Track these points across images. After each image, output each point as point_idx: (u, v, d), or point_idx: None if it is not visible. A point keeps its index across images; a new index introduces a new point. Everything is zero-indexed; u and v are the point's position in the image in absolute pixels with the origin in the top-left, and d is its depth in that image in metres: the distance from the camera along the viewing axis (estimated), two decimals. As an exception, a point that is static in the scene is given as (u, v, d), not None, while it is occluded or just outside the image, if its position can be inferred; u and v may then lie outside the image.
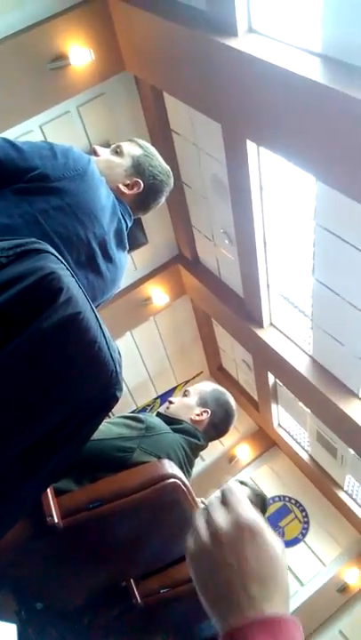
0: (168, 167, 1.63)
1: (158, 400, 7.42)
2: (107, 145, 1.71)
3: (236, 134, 3.67)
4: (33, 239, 0.74)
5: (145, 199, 1.57)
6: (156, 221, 5.67)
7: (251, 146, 3.63)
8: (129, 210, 1.52)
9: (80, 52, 3.99)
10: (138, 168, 1.54)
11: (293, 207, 3.94)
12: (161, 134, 4.74)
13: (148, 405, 7.33)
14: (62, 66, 4.00)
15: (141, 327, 6.64)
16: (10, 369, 0.69)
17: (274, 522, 6.75)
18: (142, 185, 1.53)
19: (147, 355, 7.02)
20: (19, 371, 0.71)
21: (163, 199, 1.63)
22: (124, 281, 6.10)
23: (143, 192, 1.55)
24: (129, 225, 1.54)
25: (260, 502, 2.18)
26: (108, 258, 1.46)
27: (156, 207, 1.64)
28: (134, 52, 4.02)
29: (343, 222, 3.41)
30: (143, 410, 7.28)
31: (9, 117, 4.04)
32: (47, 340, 0.70)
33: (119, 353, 0.84)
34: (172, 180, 1.64)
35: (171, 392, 7.53)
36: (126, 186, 1.52)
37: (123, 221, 1.50)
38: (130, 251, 5.61)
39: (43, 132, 4.49)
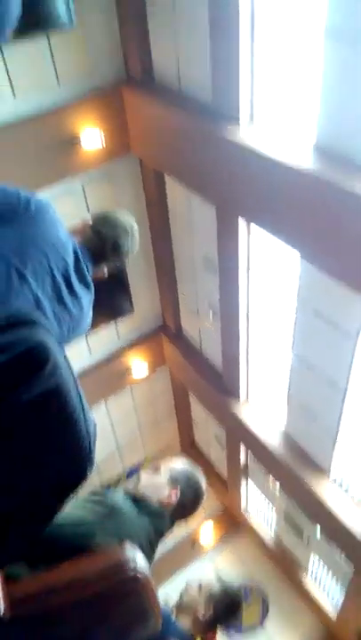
0: (129, 222, 1.73)
1: (124, 475, 7.00)
2: (102, 214, 1.83)
3: (228, 213, 3.77)
4: (25, 310, 0.76)
5: (99, 246, 1.66)
6: (143, 291, 5.66)
7: (242, 223, 3.73)
8: (88, 253, 1.59)
9: (91, 135, 4.16)
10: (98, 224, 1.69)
11: (278, 285, 3.99)
12: (158, 212, 4.88)
13: (114, 481, 6.88)
14: (73, 146, 4.16)
15: (117, 396, 6.38)
16: None
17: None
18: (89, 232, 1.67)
19: (118, 424, 6.69)
20: None
21: (117, 249, 1.70)
22: (107, 348, 6.00)
23: (94, 240, 1.66)
24: (89, 268, 1.58)
25: (231, 601, 1.96)
26: (73, 293, 1.50)
27: (113, 254, 1.70)
28: (141, 136, 4.23)
29: (325, 300, 3.44)
30: (107, 488, 6.82)
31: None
32: (26, 410, 0.67)
33: (95, 427, 0.79)
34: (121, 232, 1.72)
35: (137, 468, 7.13)
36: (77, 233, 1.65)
37: (83, 262, 1.55)
38: (115, 318, 5.53)
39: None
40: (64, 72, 3.97)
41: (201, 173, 3.70)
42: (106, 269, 1.71)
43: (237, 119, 3.15)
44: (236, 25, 2.80)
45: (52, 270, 1.42)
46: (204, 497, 1.64)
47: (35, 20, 3.45)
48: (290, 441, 4.70)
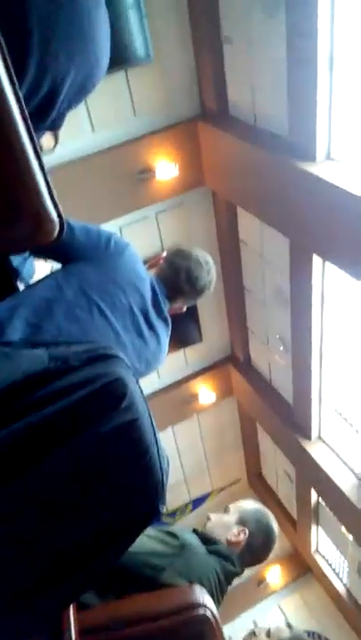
0: (203, 255, 1.70)
1: (190, 505, 6.95)
2: (176, 247, 1.83)
3: (303, 248, 3.71)
4: (105, 344, 0.77)
5: (173, 278, 1.65)
6: (212, 321, 5.69)
7: (316, 260, 3.64)
8: (164, 287, 1.61)
9: (166, 167, 4.29)
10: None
11: (354, 321, 3.82)
12: (229, 243, 4.90)
13: (179, 510, 6.86)
14: (148, 177, 4.31)
15: (183, 424, 6.40)
16: (58, 472, 0.67)
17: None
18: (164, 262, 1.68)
19: (185, 453, 6.69)
20: (67, 474, 0.68)
21: (187, 279, 1.67)
22: (175, 375, 6.09)
23: (167, 272, 1.66)
24: (166, 302, 1.60)
25: None
26: (151, 327, 1.54)
27: (187, 288, 1.67)
28: (215, 169, 4.29)
29: None
30: (173, 513, 6.80)
31: (95, 216, 4.31)
32: (102, 444, 0.69)
33: (168, 462, 0.80)
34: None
35: (204, 498, 7.05)
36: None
37: (160, 297, 1.57)
38: (184, 346, 5.57)
39: (121, 232, 4.74)
40: (141, 105, 4.14)
41: (275, 207, 3.68)
42: (184, 305, 1.73)
43: (314, 155, 3.11)
44: (315, 62, 2.78)
45: (131, 306, 1.47)
46: (276, 542, 1.57)
47: (114, 55, 3.67)
48: (366, 488, 4.43)
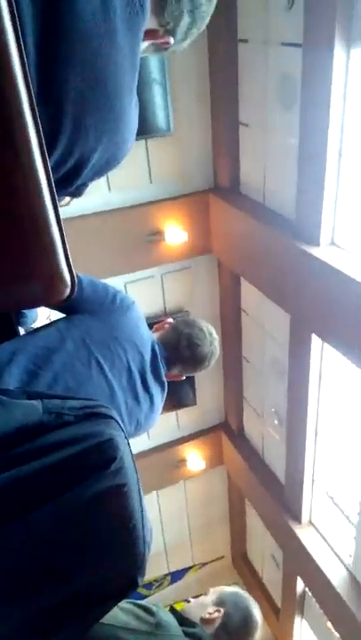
0: (207, 326, 1.70)
1: (169, 577, 6.63)
2: (179, 311, 1.83)
3: (303, 326, 3.77)
4: (100, 403, 0.76)
5: (174, 341, 1.64)
6: (208, 385, 5.67)
7: (315, 339, 3.69)
8: (165, 355, 1.60)
9: (176, 232, 4.46)
10: None
11: (351, 403, 3.81)
12: (231, 310, 4.99)
13: (157, 580, 6.54)
14: (157, 240, 4.47)
15: (169, 489, 6.22)
16: (37, 531, 0.65)
17: None
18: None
19: (168, 521, 6.46)
20: (45, 535, 0.66)
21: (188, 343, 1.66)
22: (165, 436, 5.99)
23: (170, 334, 1.66)
24: (164, 368, 1.58)
25: None
26: (147, 389, 1.52)
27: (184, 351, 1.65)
28: (222, 240, 4.45)
29: None
30: (150, 585, 6.48)
31: (103, 270, 4.44)
32: (86, 507, 0.67)
33: (151, 534, 0.77)
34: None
35: (184, 571, 6.74)
36: None
37: (160, 360, 1.56)
38: (178, 407, 5.49)
39: (126, 289, 4.85)
40: (157, 172, 4.37)
41: (278, 284, 3.78)
42: (183, 374, 1.70)
43: (318, 239, 3.24)
44: (324, 155, 2.95)
45: (129, 365, 1.46)
46: (256, 628, 1.50)
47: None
48: (355, 584, 4.24)
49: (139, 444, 5.61)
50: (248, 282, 4.40)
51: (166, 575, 6.73)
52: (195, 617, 1.45)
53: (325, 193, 3.06)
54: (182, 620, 1.42)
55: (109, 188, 4.31)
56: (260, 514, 5.64)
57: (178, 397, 5.51)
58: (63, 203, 1.86)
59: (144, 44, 1.02)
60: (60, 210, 0.70)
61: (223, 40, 3.72)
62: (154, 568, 6.51)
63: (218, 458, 6.12)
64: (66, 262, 0.70)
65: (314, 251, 3.23)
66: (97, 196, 4.22)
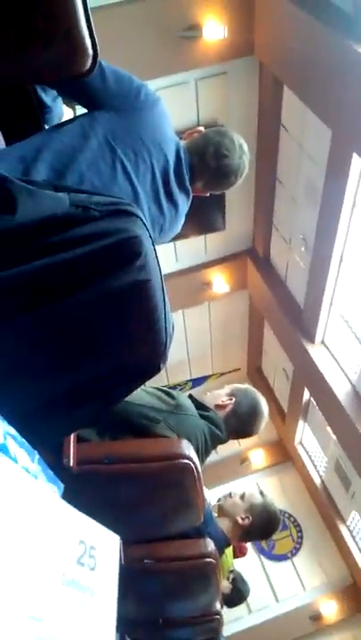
0: (238, 139, 1.60)
1: (190, 383, 7.45)
2: (213, 124, 1.70)
3: (344, 144, 3.53)
4: (128, 201, 0.77)
5: (201, 149, 1.56)
6: (238, 210, 5.59)
7: (356, 160, 3.49)
8: (190, 162, 1.53)
9: (215, 27, 3.92)
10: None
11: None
12: (269, 125, 4.64)
13: (180, 385, 7.37)
14: (193, 36, 3.97)
15: (194, 309, 6.64)
16: (69, 315, 0.72)
17: (268, 533, 6.71)
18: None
19: (192, 337, 7.03)
20: (77, 319, 0.74)
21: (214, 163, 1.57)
22: (192, 260, 6.17)
23: (198, 142, 1.57)
24: (187, 174, 1.52)
25: (269, 517, 2.13)
26: (170, 195, 1.49)
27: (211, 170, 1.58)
28: (267, 38, 3.93)
29: None
30: (174, 388, 7.35)
31: (130, 71, 4.08)
32: (112, 298, 0.73)
33: (173, 328, 0.86)
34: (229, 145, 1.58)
35: (203, 379, 7.54)
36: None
37: (184, 166, 1.50)
38: (206, 232, 5.54)
39: (156, 96, 4.50)
40: None
41: (324, 93, 3.44)
42: (207, 189, 1.63)
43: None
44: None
45: (153, 167, 1.41)
46: (262, 416, 1.73)
47: None
48: (357, 397, 4.73)
49: (167, 265, 5.82)
50: (290, 89, 4.01)
51: (188, 381, 7.58)
52: (209, 404, 1.70)
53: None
54: (199, 404, 1.67)
55: None
56: (277, 333, 6.06)
57: (208, 222, 5.48)
58: None
59: None
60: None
61: None
62: (178, 373, 7.31)
63: (242, 282, 6.34)
64: (87, 26, 0.66)
65: (369, 51, 2.85)
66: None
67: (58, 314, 0.71)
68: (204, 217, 5.33)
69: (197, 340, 7.15)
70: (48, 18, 0.64)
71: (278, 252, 5.67)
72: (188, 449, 1.36)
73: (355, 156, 3.45)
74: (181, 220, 1.61)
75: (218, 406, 1.70)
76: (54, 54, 0.70)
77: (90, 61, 0.70)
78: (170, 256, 5.83)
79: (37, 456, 0.68)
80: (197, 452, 1.45)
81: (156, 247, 0.83)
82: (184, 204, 1.56)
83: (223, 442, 1.71)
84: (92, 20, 0.67)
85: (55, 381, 0.79)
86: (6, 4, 0.62)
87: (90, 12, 0.67)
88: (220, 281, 6.19)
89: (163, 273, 0.81)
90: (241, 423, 1.72)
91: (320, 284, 4.59)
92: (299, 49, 3.58)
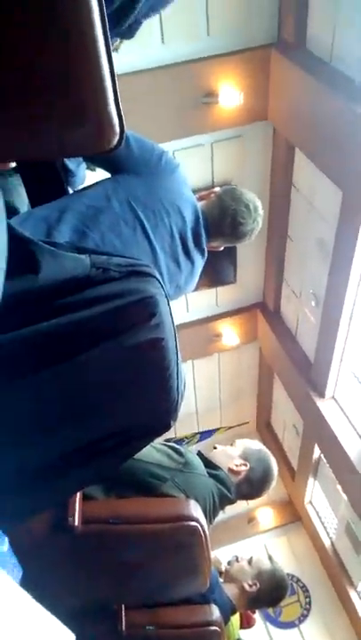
0: (254, 201, 1.65)
1: (198, 436, 7.29)
2: (227, 184, 1.76)
3: (355, 205, 3.61)
4: (145, 262, 0.80)
5: (218, 215, 1.62)
6: (249, 264, 5.68)
7: (366, 220, 3.56)
8: (207, 224, 1.59)
9: (231, 94, 4.13)
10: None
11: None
12: (281, 185, 4.79)
13: (187, 438, 7.22)
14: (211, 102, 4.17)
15: (204, 360, 6.61)
16: (84, 372, 0.73)
17: (275, 598, 6.34)
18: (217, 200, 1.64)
19: (201, 388, 6.96)
20: (91, 375, 0.74)
21: (238, 230, 1.64)
22: (204, 312, 6.21)
23: (215, 207, 1.63)
24: (204, 235, 1.59)
25: (277, 584, 2.03)
26: (187, 254, 1.55)
27: (233, 235, 1.65)
28: (281, 104, 4.12)
29: None
30: (181, 441, 7.19)
31: (151, 134, 4.24)
32: (126, 354, 0.75)
33: (185, 386, 0.86)
34: (251, 213, 1.64)
35: (211, 432, 7.38)
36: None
37: (202, 227, 1.57)
38: (218, 285, 5.59)
39: (174, 157, 4.67)
40: (216, 23, 3.93)
41: (335, 156, 3.56)
42: (222, 245, 1.71)
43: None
44: None
45: (171, 228, 1.48)
46: (273, 481, 1.70)
47: None
48: (368, 454, 4.58)
49: (179, 316, 5.86)
50: (303, 153, 4.15)
51: (196, 434, 7.43)
52: (219, 462, 1.65)
53: None
54: (207, 462, 1.62)
55: (163, 39, 3.94)
56: (287, 386, 5.97)
57: (219, 275, 5.56)
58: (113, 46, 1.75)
59: None
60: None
61: None
62: (186, 426, 7.17)
63: (252, 334, 6.34)
64: (115, 105, 0.67)
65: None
66: (150, 48, 3.88)
67: (73, 370, 0.72)
68: (216, 270, 5.41)
69: (206, 392, 7.07)
70: (77, 103, 0.66)
71: (288, 307, 5.69)
72: (195, 510, 1.32)
73: (366, 215, 3.51)
74: (197, 277, 1.67)
75: (232, 471, 1.65)
76: (81, 135, 0.70)
77: (117, 139, 0.71)
78: (181, 307, 5.88)
79: (7, 542, 0.66)
80: (205, 512, 1.41)
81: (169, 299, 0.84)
82: (200, 262, 1.62)
83: (232, 503, 1.65)
84: (119, 99, 0.68)
85: (67, 438, 0.79)
86: (36, 88, 0.64)
87: (118, 91, 0.68)
88: (230, 333, 6.20)
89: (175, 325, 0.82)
90: (253, 489, 1.68)
91: (330, 340, 4.56)
92: (310, 114, 3.74)
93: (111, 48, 0.64)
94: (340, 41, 3.44)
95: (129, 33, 1.00)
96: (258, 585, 1.96)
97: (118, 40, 1.78)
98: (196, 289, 6.28)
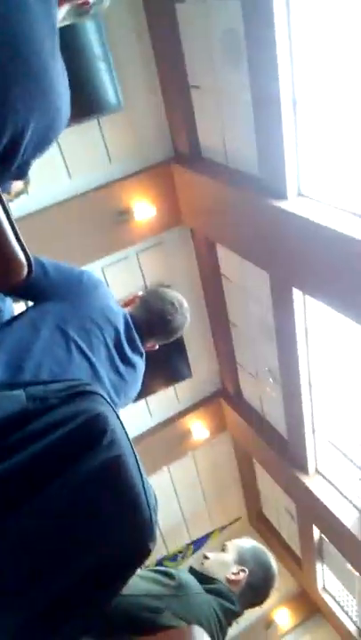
0: (177, 298, 1.71)
1: (191, 546, 6.78)
2: (161, 286, 1.80)
3: (282, 282, 3.78)
4: (84, 381, 0.76)
5: (146, 317, 1.66)
6: (200, 355, 5.71)
7: (297, 293, 3.71)
8: (139, 328, 1.62)
9: (143, 208, 4.40)
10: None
11: (341, 351, 3.86)
12: (212, 278, 4.98)
13: (181, 552, 6.68)
14: (127, 219, 4.41)
15: (179, 463, 6.33)
16: (44, 513, 0.66)
17: None
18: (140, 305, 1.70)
19: (183, 493, 6.59)
20: (52, 515, 0.67)
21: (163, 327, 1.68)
22: (167, 412, 6.05)
23: (141, 311, 1.68)
24: (138, 338, 1.62)
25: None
26: (126, 361, 1.56)
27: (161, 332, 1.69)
28: (191, 208, 4.40)
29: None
30: (175, 557, 6.63)
31: (77, 259, 4.38)
32: (85, 484, 0.68)
33: (155, 499, 0.77)
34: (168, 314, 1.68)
35: (205, 538, 6.89)
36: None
37: (134, 332, 1.60)
38: (175, 382, 5.50)
39: (103, 273, 4.80)
40: (115, 151, 4.29)
41: (252, 243, 3.77)
42: (156, 344, 1.74)
43: (285, 192, 3.22)
44: (278, 104, 2.91)
45: (105, 341, 1.49)
46: (276, 580, 1.53)
47: (86, 105, 3.83)
48: (368, 522, 4.37)
49: (143, 423, 5.68)
50: (223, 246, 4.39)
51: (189, 545, 6.88)
52: (214, 574, 1.48)
53: (285, 144, 3.03)
54: (202, 577, 1.46)
55: (69, 175, 4.22)
56: (269, 471, 5.76)
57: (174, 373, 5.54)
58: (16, 189, 1.82)
59: (62, 10, 0.99)
60: (21, 201, 0.69)
61: (158, 1, 3.61)
62: (176, 539, 6.67)
63: (221, 424, 6.21)
64: (17, 240, 0.71)
65: (282, 204, 3.21)
66: (58, 184, 4.15)
67: (27, 516, 0.64)
68: (169, 369, 5.37)
69: (190, 497, 6.69)
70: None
71: (249, 388, 5.67)
72: (200, 636, 1.14)
73: (294, 290, 3.66)
74: (140, 379, 1.66)
75: (230, 581, 1.48)
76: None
77: (25, 270, 0.73)
78: (144, 413, 5.72)
79: None
80: (212, 635, 1.23)
81: (128, 407, 0.77)
82: (141, 364, 1.64)
83: (239, 615, 1.46)
84: (19, 233, 0.71)
85: (40, 589, 0.67)
86: None
87: (16, 226, 0.70)
88: (198, 427, 6.03)
89: (139, 432, 0.74)
90: (257, 594, 1.49)
91: (297, 412, 4.52)
92: (220, 212, 4.01)
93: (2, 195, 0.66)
94: (230, 144, 3.80)
95: (20, 174, 1.00)
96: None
97: (22, 186, 1.84)
98: (154, 392, 6.17)
